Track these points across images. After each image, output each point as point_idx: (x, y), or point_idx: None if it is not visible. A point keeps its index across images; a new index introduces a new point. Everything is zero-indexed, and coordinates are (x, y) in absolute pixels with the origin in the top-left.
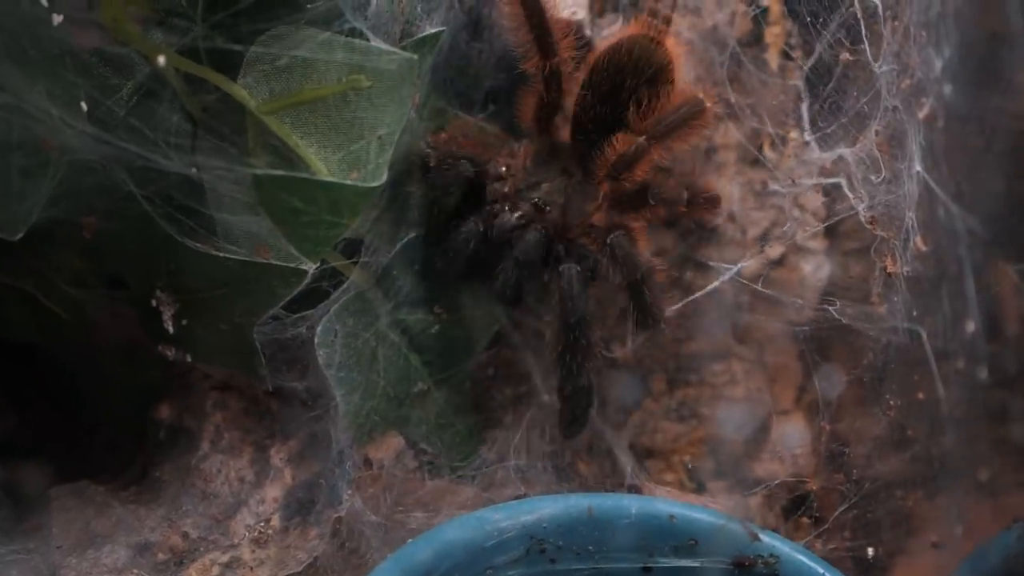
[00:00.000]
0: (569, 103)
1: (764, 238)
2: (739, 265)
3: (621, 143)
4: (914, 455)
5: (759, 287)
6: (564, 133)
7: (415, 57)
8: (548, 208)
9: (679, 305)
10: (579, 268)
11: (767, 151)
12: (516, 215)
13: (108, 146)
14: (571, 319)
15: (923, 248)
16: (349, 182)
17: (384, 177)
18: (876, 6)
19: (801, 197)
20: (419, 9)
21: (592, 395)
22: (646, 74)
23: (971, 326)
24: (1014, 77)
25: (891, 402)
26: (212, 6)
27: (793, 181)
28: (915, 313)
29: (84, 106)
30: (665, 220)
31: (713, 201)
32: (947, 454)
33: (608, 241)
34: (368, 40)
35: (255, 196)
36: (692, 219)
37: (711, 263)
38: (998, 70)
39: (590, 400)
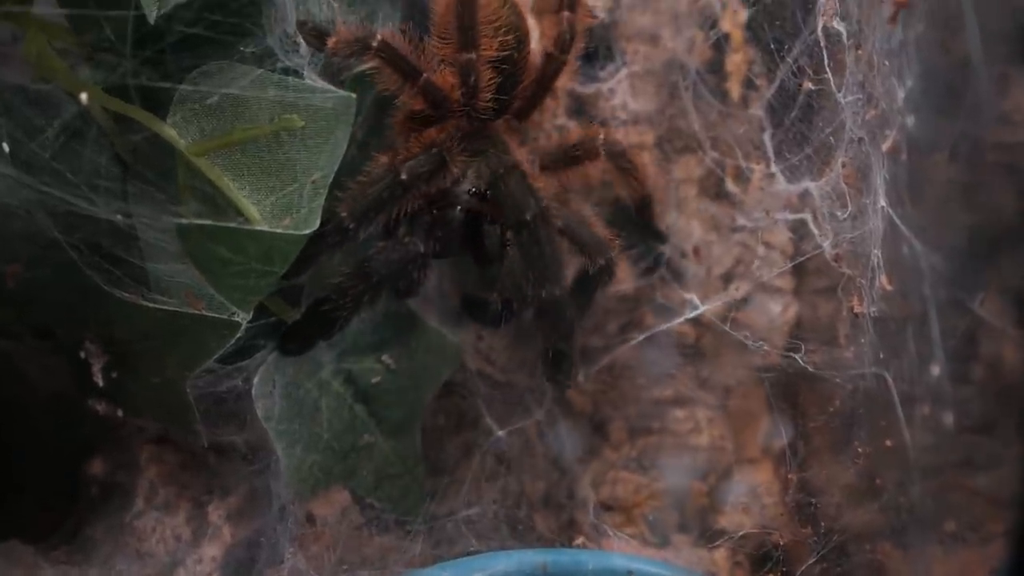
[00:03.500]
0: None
1: (729, 276)
2: (703, 307)
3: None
4: (883, 505)
5: (725, 328)
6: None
7: (352, 95)
8: (488, 192)
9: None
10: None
11: (731, 185)
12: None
13: (32, 190)
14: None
15: (888, 287)
16: (280, 230)
17: (317, 223)
18: (840, 32)
19: (767, 233)
20: None
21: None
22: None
23: (936, 369)
24: (976, 108)
25: (860, 449)
26: (141, 42)
27: (759, 215)
28: (882, 356)
29: (6, 147)
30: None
31: (626, 157)
32: (916, 504)
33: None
34: (302, 77)
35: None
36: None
37: (672, 305)
38: (960, 100)
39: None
